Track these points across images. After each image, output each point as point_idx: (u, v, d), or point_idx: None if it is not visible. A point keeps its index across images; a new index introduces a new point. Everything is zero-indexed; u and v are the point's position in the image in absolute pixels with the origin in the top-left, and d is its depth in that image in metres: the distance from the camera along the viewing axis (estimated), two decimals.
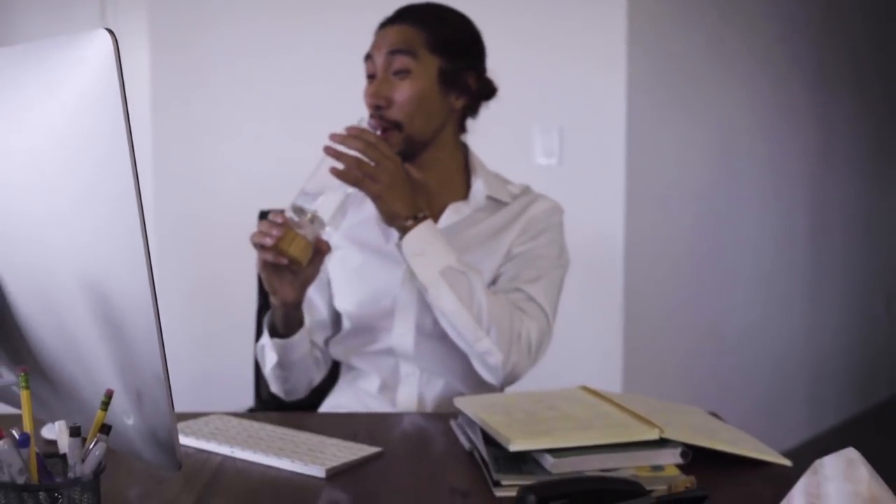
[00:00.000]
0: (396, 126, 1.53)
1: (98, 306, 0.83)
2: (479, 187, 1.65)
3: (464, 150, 1.70)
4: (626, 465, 1.07)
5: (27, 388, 0.79)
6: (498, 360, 1.48)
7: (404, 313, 1.60)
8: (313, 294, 1.69)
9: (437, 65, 1.55)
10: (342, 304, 1.67)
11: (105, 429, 0.81)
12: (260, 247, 1.40)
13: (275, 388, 1.66)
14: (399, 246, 1.50)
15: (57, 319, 0.88)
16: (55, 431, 0.85)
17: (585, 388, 1.34)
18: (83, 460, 0.79)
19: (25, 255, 0.88)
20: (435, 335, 1.59)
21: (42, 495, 0.77)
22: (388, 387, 1.63)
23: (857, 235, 4.43)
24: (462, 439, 1.21)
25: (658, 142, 3.05)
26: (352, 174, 1.43)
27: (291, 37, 2.96)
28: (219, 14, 2.98)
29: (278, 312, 1.53)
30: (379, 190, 1.45)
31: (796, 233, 3.97)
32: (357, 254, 1.65)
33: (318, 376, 1.69)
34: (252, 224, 1.91)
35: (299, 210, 1.40)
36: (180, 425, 1.22)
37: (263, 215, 1.94)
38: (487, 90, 1.67)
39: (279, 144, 2.92)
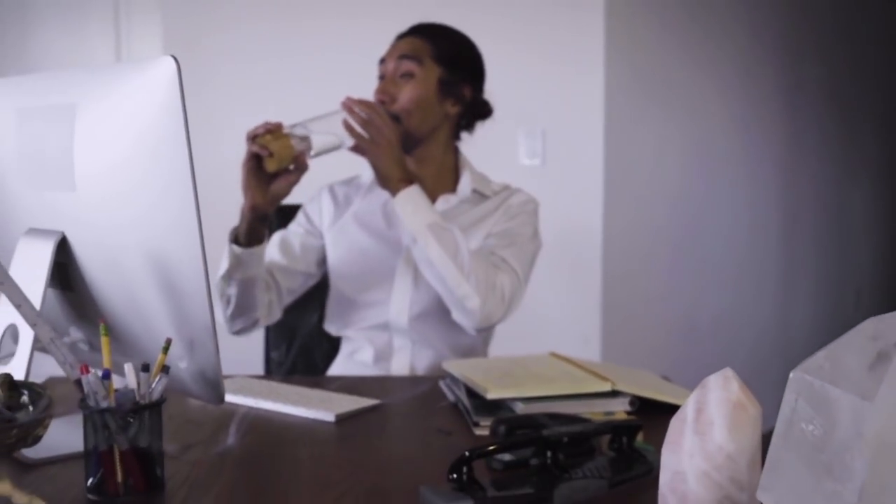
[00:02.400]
0: (396, 119, 1.76)
1: (159, 273, 1.05)
2: (465, 181, 1.88)
3: (455, 152, 1.93)
4: (583, 411, 1.29)
5: (106, 335, 1.01)
6: (476, 303, 1.69)
7: (401, 293, 1.83)
8: (297, 245, 1.90)
9: (438, 73, 1.80)
10: (344, 282, 1.88)
11: (165, 369, 1.03)
12: (252, 139, 1.61)
13: (220, 307, 1.78)
14: (392, 203, 1.72)
15: (124, 285, 1.10)
16: (122, 378, 1.07)
17: (554, 354, 1.56)
18: (150, 392, 1.01)
19: (99, 233, 1.10)
20: (426, 312, 1.82)
21: (118, 417, 0.99)
22: (382, 358, 1.85)
23: (827, 228, 4.65)
24: (448, 394, 1.43)
25: (635, 142, 3.28)
26: (357, 131, 1.66)
27: (296, 40, 3.16)
28: (228, 17, 3.18)
29: (244, 219, 1.69)
30: (377, 151, 1.68)
31: (768, 225, 4.19)
32: (363, 237, 1.87)
33: (264, 319, 1.85)
34: None
35: (293, 126, 1.63)
36: None
37: None
38: (483, 109, 1.92)
39: None
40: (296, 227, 1.94)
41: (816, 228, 4.54)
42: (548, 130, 3.13)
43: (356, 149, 1.70)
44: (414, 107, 1.79)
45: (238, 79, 3.17)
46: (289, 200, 2.09)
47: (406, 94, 1.79)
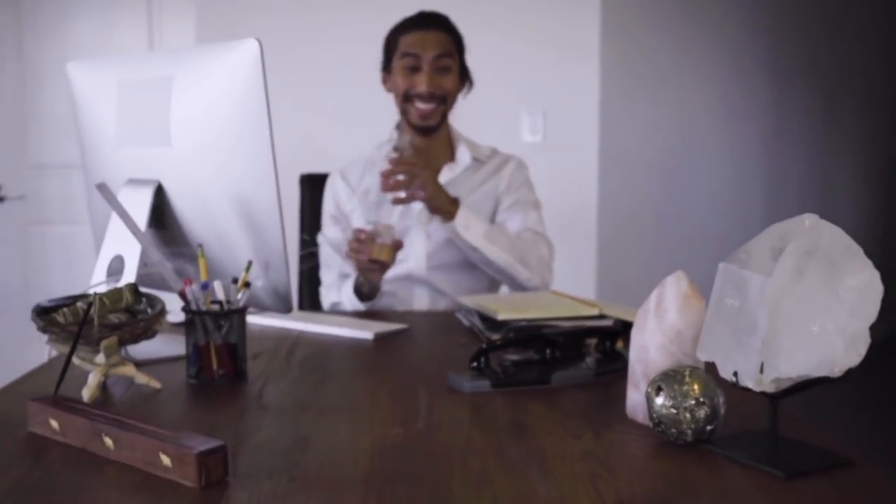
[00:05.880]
0: (443, 101, 2.09)
1: (241, 209, 1.34)
2: (463, 152, 2.18)
3: (449, 125, 2.22)
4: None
5: (203, 256, 1.30)
6: (536, 282, 2.04)
7: (418, 249, 2.11)
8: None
9: (459, 62, 2.10)
10: None
11: (247, 284, 1.31)
12: (359, 259, 1.89)
13: None
14: (449, 226, 1.98)
15: (211, 221, 1.39)
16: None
17: (554, 292, 1.85)
18: (238, 301, 1.30)
19: (191, 179, 1.39)
20: (441, 265, 2.11)
21: (214, 318, 1.27)
22: (404, 304, 2.14)
23: (811, 200, 4.92)
24: (464, 321, 1.72)
25: (627, 122, 3.58)
26: (407, 198, 1.93)
27: (326, 28, 3.45)
28: (260, 7, 3.45)
29: (366, 287, 2.00)
30: (428, 196, 1.94)
31: (752, 195, 4.48)
32: (374, 211, 2.15)
33: None
34: (291, 184, 2.40)
35: (375, 222, 1.91)
36: (266, 315, 1.73)
37: (303, 179, 2.45)
38: None
39: (306, 120, 3.42)
40: (337, 232, 2.20)
41: (800, 200, 4.81)
42: (548, 110, 3.42)
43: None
44: (453, 92, 2.12)
45: (269, 67, 3.44)
46: (318, 170, 2.40)
47: (448, 84, 2.10)
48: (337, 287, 2.12)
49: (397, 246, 1.91)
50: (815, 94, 4.89)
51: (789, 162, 4.73)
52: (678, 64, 3.89)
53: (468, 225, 1.99)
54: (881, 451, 3.43)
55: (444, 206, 1.97)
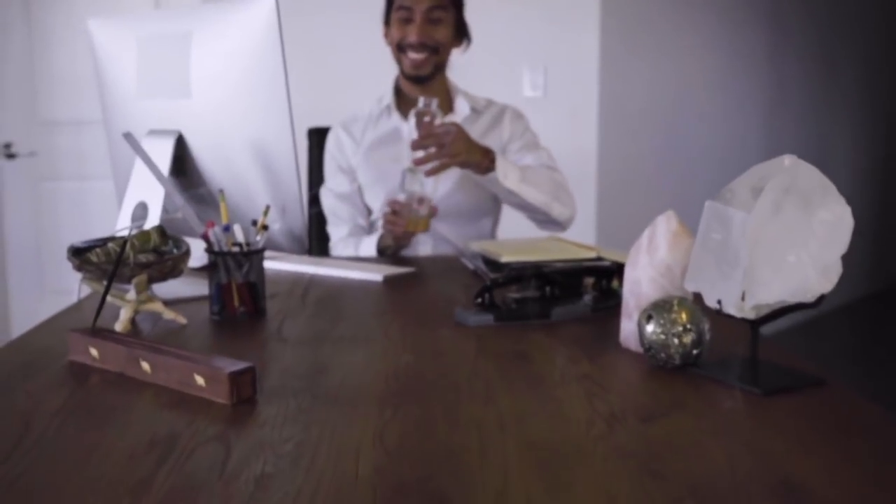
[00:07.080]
0: (435, 52, 2.15)
1: (258, 157, 1.42)
2: (461, 103, 2.26)
3: (446, 77, 2.30)
4: None
5: (224, 200, 1.38)
6: (567, 215, 2.14)
7: None
8: (358, 201, 2.27)
9: (455, 15, 2.16)
10: (373, 202, 2.25)
11: (265, 227, 1.40)
12: (396, 228, 1.96)
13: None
14: (490, 178, 2.02)
15: (229, 168, 1.47)
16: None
17: (554, 238, 1.94)
18: (256, 243, 1.39)
19: (210, 129, 1.47)
20: (444, 215, 2.19)
21: (235, 258, 1.36)
22: (409, 251, 2.22)
23: (808, 158, 4.99)
24: (468, 264, 1.81)
25: (626, 77, 3.64)
26: (440, 166, 1.93)
27: None
28: None
29: (391, 249, 2.08)
30: (463, 159, 1.95)
31: (748, 154, 4.53)
32: (381, 161, 2.23)
33: None
34: (298, 137, 2.47)
35: (410, 193, 1.94)
36: (281, 259, 1.82)
37: (311, 132, 2.52)
38: None
39: (313, 76, 3.48)
40: (345, 184, 2.28)
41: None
42: (549, 66, 3.48)
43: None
44: (445, 44, 2.19)
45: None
46: (321, 123, 2.48)
47: (440, 35, 2.17)
48: (354, 245, 2.19)
49: (432, 214, 1.97)
50: (814, 54, 4.93)
51: (787, 120, 4.79)
52: (678, 20, 3.94)
53: (506, 173, 2.03)
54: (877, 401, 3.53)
55: (478, 162, 1.98)
